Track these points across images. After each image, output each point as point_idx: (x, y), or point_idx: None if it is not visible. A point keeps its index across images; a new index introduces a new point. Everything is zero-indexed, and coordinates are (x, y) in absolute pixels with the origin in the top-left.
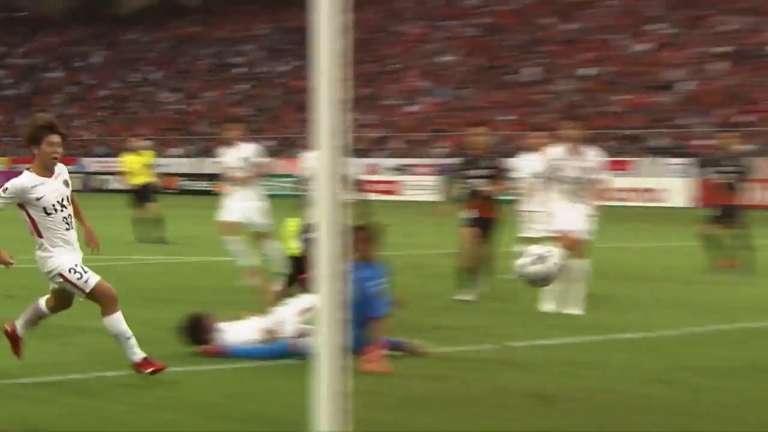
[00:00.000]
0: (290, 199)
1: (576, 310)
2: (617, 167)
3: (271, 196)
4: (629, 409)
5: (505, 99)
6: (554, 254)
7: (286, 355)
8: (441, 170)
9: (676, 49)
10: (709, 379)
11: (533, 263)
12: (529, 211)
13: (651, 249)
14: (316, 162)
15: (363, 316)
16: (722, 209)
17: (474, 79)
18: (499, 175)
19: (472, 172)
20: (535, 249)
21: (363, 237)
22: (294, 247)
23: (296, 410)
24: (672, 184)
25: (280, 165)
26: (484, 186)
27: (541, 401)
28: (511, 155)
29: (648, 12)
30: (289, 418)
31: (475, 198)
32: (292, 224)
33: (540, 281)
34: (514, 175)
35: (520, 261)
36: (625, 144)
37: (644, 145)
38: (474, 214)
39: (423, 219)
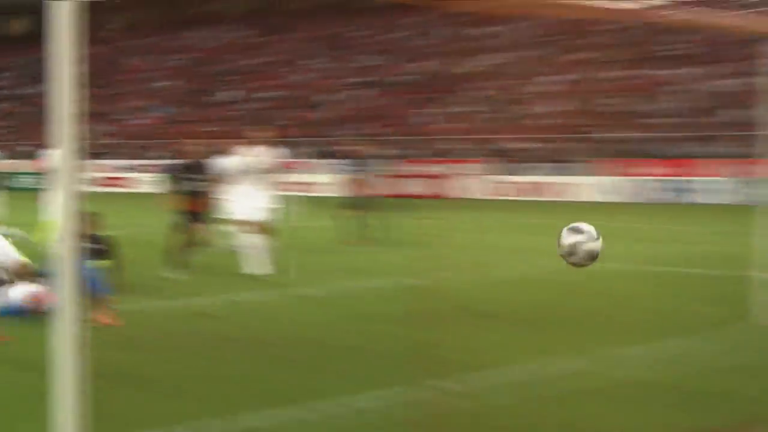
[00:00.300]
0: (35, 192)
1: (265, 273)
2: (291, 166)
3: (21, 190)
4: (315, 350)
5: (209, 115)
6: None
7: (21, 314)
8: (161, 170)
9: (331, 78)
10: (371, 326)
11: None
12: (227, 200)
13: (317, 227)
14: (56, 161)
15: (87, 293)
16: (359, 198)
17: (185, 99)
18: (207, 175)
19: (187, 174)
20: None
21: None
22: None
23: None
24: (328, 179)
25: (32, 164)
26: (196, 185)
27: (233, 344)
28: (214, 157)
29: (308, 51)
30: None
31: (189, 195)
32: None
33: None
34: (217, 173)
35: (573, 239)
36: (296, 148)
37: (308, 150)
38: (187, 215)
39: (145, 206)
